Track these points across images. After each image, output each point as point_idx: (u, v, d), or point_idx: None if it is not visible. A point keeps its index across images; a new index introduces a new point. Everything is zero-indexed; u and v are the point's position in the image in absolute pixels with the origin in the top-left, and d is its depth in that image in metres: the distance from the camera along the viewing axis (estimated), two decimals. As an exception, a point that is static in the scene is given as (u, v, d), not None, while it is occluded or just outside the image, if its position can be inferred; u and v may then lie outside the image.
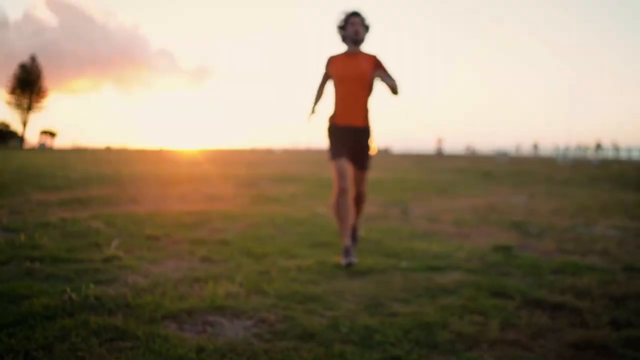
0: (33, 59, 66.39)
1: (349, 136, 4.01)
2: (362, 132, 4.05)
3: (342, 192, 3.86)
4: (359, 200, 4.21)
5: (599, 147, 34.16)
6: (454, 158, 38.27)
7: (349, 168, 4.00)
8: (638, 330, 2.60)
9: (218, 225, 5.53)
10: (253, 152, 54.90)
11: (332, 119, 4.07)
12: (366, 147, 4.08)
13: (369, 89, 4.01)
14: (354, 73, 3.96)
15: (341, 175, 3.87)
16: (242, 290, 3.13)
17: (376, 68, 3.98)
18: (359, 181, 4.12)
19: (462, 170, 17.29)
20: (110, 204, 7.36)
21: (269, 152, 55.32)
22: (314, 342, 2.42)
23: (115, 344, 2.35)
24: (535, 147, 44.66)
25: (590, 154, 32.02)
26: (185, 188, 9.96)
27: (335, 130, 4.04)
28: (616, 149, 34.91)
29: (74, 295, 2.91)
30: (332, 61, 4.07)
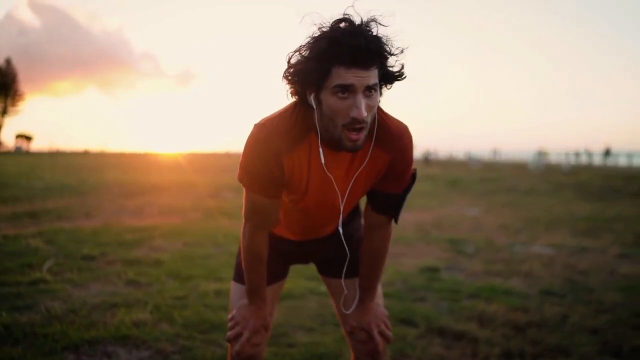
0: (8, 61, 65.47)
1: (309, 247, 1.78)
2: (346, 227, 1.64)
3: None
4: None
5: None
6: (433, 164, 38.44)
7: (275, 302, 1.83)
8: (524, 362, 2.70)
9: (158, 243, 5.54)
10: (232, 156, 54.70)
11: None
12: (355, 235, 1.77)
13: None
14: (342, 198, 1.50)
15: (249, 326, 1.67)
16: (152, 317, 3.17)
17: (390, 178, 1.49)
18: (364, 315, 1.72)
19: (432, 178, 17.42)
20: (62, 218, 7.33)
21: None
22: (201, 375, 2.48)
23: (5, 379, 2.39)
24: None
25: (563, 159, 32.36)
26: (144, 199, 9.94)
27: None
28: (589, 153, 35.33)
29: (-19, 325, 2.93)
30: (284, 164, 1.40)
